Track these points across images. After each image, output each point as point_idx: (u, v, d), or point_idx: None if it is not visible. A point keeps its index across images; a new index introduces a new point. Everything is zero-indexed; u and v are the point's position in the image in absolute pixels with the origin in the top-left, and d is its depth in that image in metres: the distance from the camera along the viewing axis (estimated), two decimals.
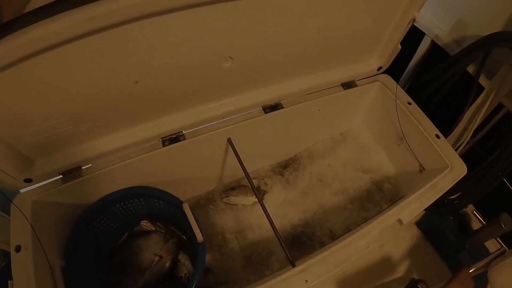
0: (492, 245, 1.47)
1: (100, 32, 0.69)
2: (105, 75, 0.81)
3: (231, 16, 0.82)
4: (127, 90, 0.87)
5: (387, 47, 1.22)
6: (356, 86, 1.33)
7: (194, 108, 1.07)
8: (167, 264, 1.16)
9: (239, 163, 1.13)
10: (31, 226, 0.89)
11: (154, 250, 1.20)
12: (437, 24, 1.48)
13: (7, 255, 1.10)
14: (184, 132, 1.11)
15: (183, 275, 1.16)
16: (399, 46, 1.21)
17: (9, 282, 0.82)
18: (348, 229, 1.31)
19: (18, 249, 0.86)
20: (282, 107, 1.21)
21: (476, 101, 1.39)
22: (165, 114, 1.04)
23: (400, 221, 1.02)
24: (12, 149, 0.86)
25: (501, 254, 1.16)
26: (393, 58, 1.27)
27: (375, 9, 1.04)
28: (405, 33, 1.16)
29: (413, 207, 1.04)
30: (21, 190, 0.96)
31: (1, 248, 1.08)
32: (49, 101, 0.80)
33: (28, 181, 0.94)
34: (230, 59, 0.95)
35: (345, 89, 1.31)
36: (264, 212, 1.03)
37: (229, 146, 1.19)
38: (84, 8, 0.64)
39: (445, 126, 1.38)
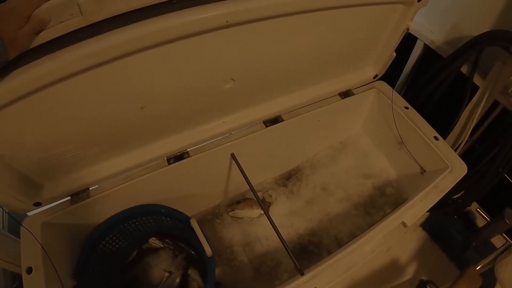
0: (499, 241, 1.48)
1: (104, 65, 0.72)
2: (111, 104, 0.84)
3: (231, 40, 0.85)
4: (133, 116, 0.90)
5: (382, 56, 1.24)
6: (353, 94, 1.35)
7: (198, 127, 1.10)
8: (177, 280, 1.17)
9: (243, 177, 1.15)
10: (42, 248, 0.90)
11: (163, 267, 1.21)
12: (429, 28, 1.50)
13: (17, 277, 1.11)
14: (188, 150, 1.13)
15: None
16: (394, 54, 1.23)
17: None
18: (354, 235, 1.32)
19: (29, 270, 0.87)
20: (282, 120, 1.24)
21: (472, 101, 1.41)
22: (170, 135, 1.07)
23: (404, 224, 1.03)
24: (21, 175, 0.88)
25: (507, 249, 1.17)
26: (388, 65, 1.29)
27: (368, 21, 1.06)
28: (399, 42, 1.18)
29: (416, 209, 1.06)
30: (30, 213, 0.98)
31: (10, 270, 1.09)
32: (57, 131, 0.82)
33: (38, 204, 0.96)
34: (232, 80, 0.98)
35: (342, 98, 1.33)
36: (271, 224, 1.04)
37: (233, 160, 1.21)
38: (86, 44, 0.67)
39: (443, 127, 1.41)
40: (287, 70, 1.07)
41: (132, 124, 0.93)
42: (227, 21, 0.77)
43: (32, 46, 0.63)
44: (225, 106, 1.08)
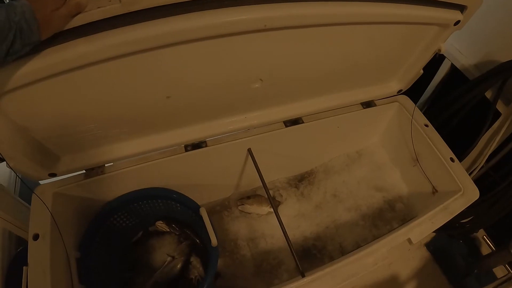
0: (501, 271, 1.47)
1: (137, 54, 0.74)
2: (138, 91, 0.86)
3: (265, 43, 0.86)
4: (158, 104, 0.92)
5: (409, 72, 1.24)
6: (375, 105, 1.35)
7: (219, 120, 1.11)
8: (179, 266, 1.19)
9: (258, 173, 1.16)
10: (52, 217, 0.92)
11: (167, 251, 1.22)
12: (458, 48, 1.49)
13: (22, 242, 1.13)
14: (206, 139, 1.14)
15: (193, 278, 1.18)
16: (421, 71, 1.23)
17: (24, 268, 0.84)
18: (358, 245, 1.32)
19: (36, 237, 0.88)
20: (303, 122, 1.24)
21: (492, 126, 1.39)
22: (191, 124, 1.08)
23: (409, 240, 1.03)
24: (41, 146, 0.91)
25: (508, 280, 1.16)
26: (414, 81, 1.29)
27: (401, 38, 1.06)
28: (428, 61, 1.18)
29: (423, 227, 1.06)
30: (43, 181, 1.00)
31: (16, 234, 1.12)
32: (82, 110, 0.85)
33: (52, 175, 0.98)
34: (260, 81, 0.99)
35: (364, 108, 1.34)
36: (279, 222, 1.05)
37: (249, 156, 1.22)
38: (122, 31, 0.69)
39: (460, 149, 1.39)
40: (314, 76, 1.08)
41: (156, 111, 0.95)
42: (265, 25, 0.78)
43: (67, 27, 0.64)
44: (249, 104, 1.10)
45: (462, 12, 0.99)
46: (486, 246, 1.54)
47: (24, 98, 0.74)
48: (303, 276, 0.92)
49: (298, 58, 0.96)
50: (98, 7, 0.63)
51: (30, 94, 0.73)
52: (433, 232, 1.07)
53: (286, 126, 1.23)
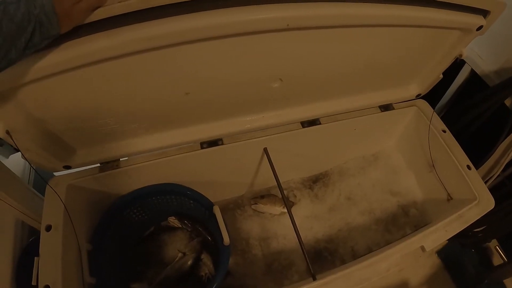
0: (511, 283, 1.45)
1: (157, 50, 0.73)
2: (157, 86, 0.86)
3: (287, 43, 0.85)
4: (177, 100, 0.92)
5: (429, 77, 1.23)
6: (393, 109, 1.34)
7: (237, 118, 1.11)
8: (189, 262, 1.19)
9: (273, 172, 1.16)
10: (65, 208, 0.93)
11: (178, 247, 1.23)
12: (478, 53, 1.46)
13: (34, 232, 1.14)
14: (222, 137, 1.14)
15: (204, 275, 1.18)
16: (441, 76, 1.21)
17: (36, 258, 0.85)
18: (370, 250, 1.31)
19: (48, 228, 0.89)
20: (320, 123, 1.24)
21: (510, 135, 1.37)
22: (208, 122, 1.08)
23: (423, 248, 1.02)
24: (57, 139, 0.91)
25: None
26: (433, 86, 1.27)
27: (423, 42, 1.05)
28: (448, 66, 1.17)
29: (437, 235, 1.05)
30: (58, 173, 1.00)
31: (29, 224, 1.13)
32: (100, 104, 0.85)
33: (67, 167, 1.00)
34: (280, 80, 0.99)
35: (382, 111, 1.32)
36: (292, 223, 1.05)
37: (264, 155, 1.22)
38: (143, 26, 0.68)
39: (477, 157, 1.37)
40: (334, 78, 1.07)
41: (174, 107, 0.95)
42: (287, 25, 0.77)
43: (87, 21, 0.64)
44: (267, 103, 1.09)
45: (485, 17, 0.96)
46: (498, 257, 1.52)
47: (42, 90, 0.74)
48: (314, 279, 0.92)
49: (318, 58, 0.96)
50: (119, 1, 0.62)
51: (48, 87, 0.74)
52: (446, 240, 1.05)
53: (303, 126, 1.22)
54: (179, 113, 0.99)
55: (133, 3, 0.63)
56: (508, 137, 1.37)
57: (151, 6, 0.65)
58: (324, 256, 1.29)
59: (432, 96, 1.35)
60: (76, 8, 0.59)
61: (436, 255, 1.52)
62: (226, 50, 0.81)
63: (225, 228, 1.02)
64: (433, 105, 1.37)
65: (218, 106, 1.02)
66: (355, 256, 1.30)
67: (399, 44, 1.02)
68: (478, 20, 0.96)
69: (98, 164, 1.05)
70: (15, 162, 1.42)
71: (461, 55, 1.11)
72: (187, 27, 0.70)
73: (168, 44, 0.72)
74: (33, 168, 0.94)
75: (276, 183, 1.15)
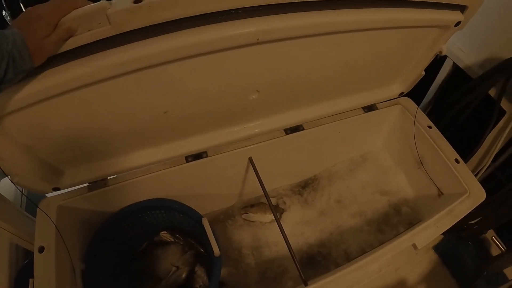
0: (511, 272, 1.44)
1: (129, 74, 0.74)
2: (136, 107, 0.86)
3: (260, 56, 0.85)
4: (156, 119, 0.93)
5: (411, 75, 1.23)
6: (377, 109, 1.34)
7: (218, 131, 1.11)
8: (183, 275, 1.19)
9: (259, 182, 1.16)
10: (58, 230, 0.93)
11: (171, 261, 1.23)
12: (460, 47, 1.46)
13: (29, 254, 1.15)
14: (207, 150, 1.14)
15: (198, 287, 1.19)
16: (423, 72, 1.22)
17: (30, 280, 0.85)
18: (363, 251, 1.31)
19: (41, 250, 0.90)
20: (303, 129, 1.24)
21: (497, 125, 1.37)
22: (190, 136, 1.09)
23: (414, 246, 1.02)
24: (44, 162, 0.92)
25: None
26: (416, 83, 1.28)
27: (402, 42, 1.04)
28: (429, 62, 1.17)
29: (428, 232, 1.04)
30: (48, 194, 1.01)
31: (23, 246, 1.14)
32: (83, 127, 0.86)
33: (57, 189, 1.00)
34: (257, 92, 0.99)
35: (365, 112, 1.33)
36: (280, 230, 1.05)
37: (250, 165, 1.22)
38: (113, 53, 0.69)
39: (466, 150, 1.37)
40: (313, 84, 1.07)
41: (154, 125, 0.96)
42: (258, 39, 0.77)
43: (61, 51, 0.64)
44: (247, 114, 1.10)
45: (462, 13, 0.96)
46: (496, 247, 1.52)
47: (24, 119, 0.75)
48: (306, 284, 0.92)
49: (295, 67, 0.96)
50: (89, 30, 0.63)
51: (29, 115, 0.74)
52: (441, 234, 1.05)
53: (287, 133, 1.22)
54: (161, 131, 1.00)
55: (102, 30, 0.64)
56: (495, 128, 1.38)
57: (120, 32, 0.65)
58: (317, 260, 1.29)
59: (416, 93, 1.35)
60: (47, 41, 0.60)
61: (433, 250, 1.51)
62: (199, 67, 0.81)
63: (214, 240, 1.02)
64: (417, 102, 1.38)
65: (198, 121, 1.02)
66: (349, 258, 1.29)
67: (378, 46, 1.02)
68: (455, 16, 0.96)
69: (87, 184, 1.05)
70: (6, 185, 1.42)
71: (441, 52, 1.11)
72: (157, 49, 0.70)
73: (141, 67, 0.73)
74: (23, 194, 0.95)
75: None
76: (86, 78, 0.70)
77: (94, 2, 0.63)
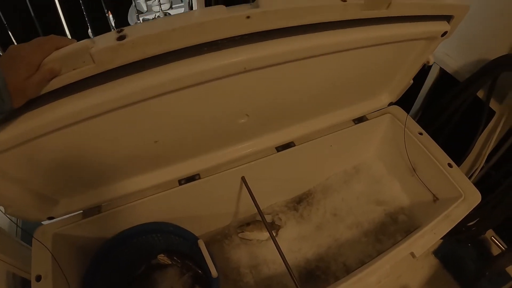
0: None
1: (117, 110, 0.74)
2: (126, 140, 0.87)
3: (247, 83, 0.85)
4: (146, 149, 0.93)
5: (399, 85, 1.24)
6: (367, 119, 1.35)
7: (210, 154, 1.12)
8: None
9: (253, 200, 1.16)
10: (54, 259, 0.93)
11: (170, 284, 1.22)
12: (445, 52, 1.48)
13: (26, 283, 1.14)
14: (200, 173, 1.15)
15: None
16: (411, 81, 1.22)
17: None
18: (362, 263, 1.30)
19: (38, 278, 0.90)
20: (294, 145, 1.24)
21: (488, 126, 1.37)
22: (182, 161, 1.09)
23: (412, 254, 1.01)
24: (37, 193, 0.92)
25: None
26: (404, 92, 1.28)
27: (388, 56, 1.05)
28: (417, 72, 1.17)
29: (426, 239, 1.04)
30: (43, 222, 1.01)
31: (20, 276, 1.13)
32: (73, 161, 0.86)
33: (51, 218, 1.00)
34: (246, 116, 0.99)
35: (356, 124, 1.33)
36: (276, 248, 1.05)
37: (243, 184, 1.22)
38: (99, 90, 0.69)
39: (458, 153, 1.38)
40: (302, 103, 1.08)
41: (145, 155, 0.96)
42: (244, 68, 0.77)
43: (45, 91, 0.63)
44: (238, 136, 1.10)
45: (449, 22, 0.96)
46: (496, 247, 1.51)
47: (12, 157, 0.74)
48: None
49: (283, 89, 0.96)
50: (74, 69, 0.63)
51: (18, 153, 0.74)
52: (440, 238, 1.05)
53: (278, 150, 1.22)
54: (152, 158, 1.00)
55: (87, 69, 0.63)
56: (486, 129, 1.38)
57: (105, 70, 0.65)
58: (317, 275, 1.28)
59: (405, 101, 1.36)
60: (29, 82, 0.58)
61: (433, 255, 1.50)
62: (187, 98, 0.81)
63: (211, 261, 1.02)
64: (407, 109, 1.38)
65: (189, 147, 1.03)
66: (348, 271, 1.29)
67: (365, 62, 1.02)
68: (442, 26, 0.96)
69: (81, 211, 1.05)
70: (1, 214, 1.41)
71: (428, 62, 1.11)
72: (143, 86, 0.70)
73: (128, 103, 0.73)
74: (18, 226, 0.95)
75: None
76: (72, 117, 0.70)
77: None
